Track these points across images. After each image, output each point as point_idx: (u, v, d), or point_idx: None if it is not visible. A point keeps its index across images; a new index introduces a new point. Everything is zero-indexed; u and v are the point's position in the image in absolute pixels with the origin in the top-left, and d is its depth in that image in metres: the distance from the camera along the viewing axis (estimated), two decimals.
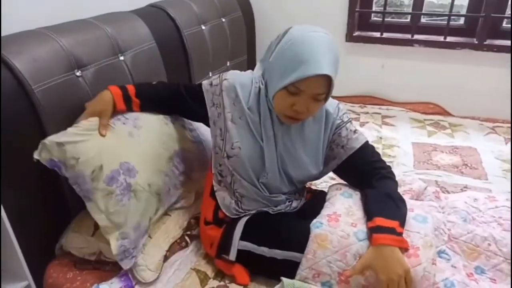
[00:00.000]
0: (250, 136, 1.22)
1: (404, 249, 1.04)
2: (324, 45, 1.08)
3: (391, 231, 1.05)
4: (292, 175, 1.26)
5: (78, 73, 1.25)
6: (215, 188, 1.29)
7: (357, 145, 1.25)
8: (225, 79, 1.25)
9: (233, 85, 1.23)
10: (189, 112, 1.38)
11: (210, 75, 2.03)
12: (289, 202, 1.31)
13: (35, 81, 1.13)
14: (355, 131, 1.27)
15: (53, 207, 1.16)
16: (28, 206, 1.19)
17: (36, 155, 1.11)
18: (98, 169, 1.15)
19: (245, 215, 1.26)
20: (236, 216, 1.26)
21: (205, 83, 1.28)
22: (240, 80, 1.24)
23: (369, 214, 1.12)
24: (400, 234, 1.06)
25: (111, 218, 1.16)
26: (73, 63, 1.24)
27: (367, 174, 1.23)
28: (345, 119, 1.27)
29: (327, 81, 1.07)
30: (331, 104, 1.27)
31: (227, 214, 1.27)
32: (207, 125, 1.29)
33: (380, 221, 1.07)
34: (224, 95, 1.23)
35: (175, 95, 1.33)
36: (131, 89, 1.29)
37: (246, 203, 1.26)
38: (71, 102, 1.23)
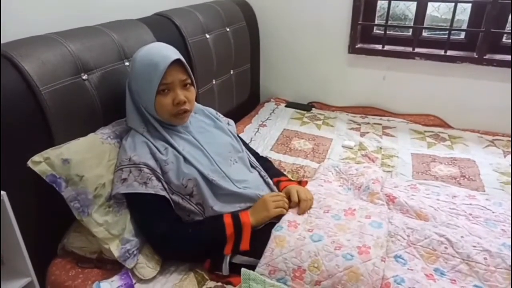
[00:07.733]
0: (184, 164, 1.26)
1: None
2: (162, 44, 1.32)
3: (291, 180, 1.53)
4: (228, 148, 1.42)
5: (84, 77, 1.29)
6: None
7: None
8: (130, 158, 1.22)
9: (139, 149, 1.24)
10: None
11: (214, 82, 2.07)
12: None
13: (43, 83, 1.16)
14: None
15: (57, 206, 1.18)
16: (33, 205, 1.22)
17: (33, 166, 1.12)
18: (101, 186, 1.20)
19: None
20: None
21: (140, 190, 1.20)
22: (133, 142, 1.26)
23: (274, 175, 1.51)
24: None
25: (109, 230, 1.19)
26: (80, 67, 1.28)
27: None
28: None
29: (182, 66, 1.26)
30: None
31: None
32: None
33: (283, 177, 1.52)
34: (147, 165, 1.22)
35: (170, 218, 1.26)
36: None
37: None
38: (77, 104, 1.27)
